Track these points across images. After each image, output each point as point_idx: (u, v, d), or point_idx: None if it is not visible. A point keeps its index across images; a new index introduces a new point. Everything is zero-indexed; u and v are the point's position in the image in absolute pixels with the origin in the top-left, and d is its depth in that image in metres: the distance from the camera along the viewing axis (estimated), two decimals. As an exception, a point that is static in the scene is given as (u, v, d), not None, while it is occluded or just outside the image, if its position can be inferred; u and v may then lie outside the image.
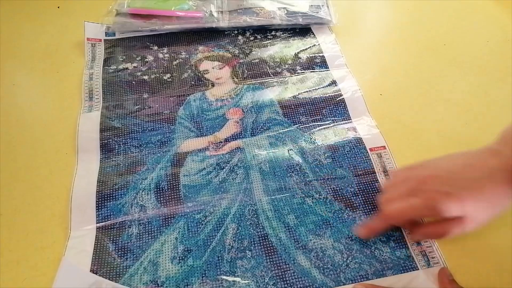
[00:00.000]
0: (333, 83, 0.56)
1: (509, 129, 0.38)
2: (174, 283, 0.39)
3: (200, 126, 0.52)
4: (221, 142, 0.50)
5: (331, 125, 0.52)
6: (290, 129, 0.51)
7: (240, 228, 0.43)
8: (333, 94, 0.55)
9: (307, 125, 0.52)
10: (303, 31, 0.64)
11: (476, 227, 0.36)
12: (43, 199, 0.46)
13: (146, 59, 0.59)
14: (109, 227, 0.43)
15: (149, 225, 0.43)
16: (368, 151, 0.49)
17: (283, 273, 0.40)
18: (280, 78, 0.57)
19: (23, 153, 0.50)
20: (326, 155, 0.49)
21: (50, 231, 0.43)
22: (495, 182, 0.35)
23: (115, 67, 0.58)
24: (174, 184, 0.46)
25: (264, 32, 0.63)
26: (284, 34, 0.63)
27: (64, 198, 0.45)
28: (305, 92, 0.55)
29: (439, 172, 0.38)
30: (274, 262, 0.40)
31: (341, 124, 0.52)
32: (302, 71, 0.58)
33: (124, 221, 0.43)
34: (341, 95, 0.55)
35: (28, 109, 0.55)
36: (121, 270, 0.40)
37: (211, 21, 0.62)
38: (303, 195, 0.45)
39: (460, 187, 0.35)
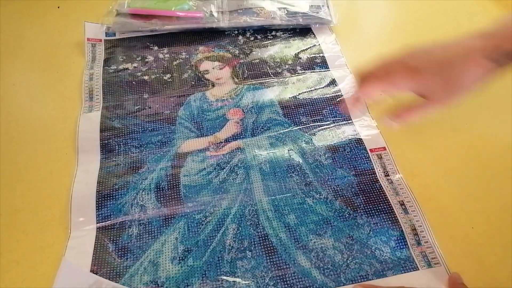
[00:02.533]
0: (333, 83, 0.56)
1: (507, 16, 0.37)
2: (174, 283, 0.39)
3: (201, 126, 0.52)
4: (222, 142, 0.50)
5: (332, 125, 0.52)
6: (291, 129, 0.51)
7: (240, 228, 0.43)
8: (333, 94, 0.55)
9: (308, 125, 0.52)
10: (303, 31, 0.64)
11: (441, 105, 0.38)
12: (43, 199, 0.46)
13: (146, 59, 0.59)
14: (109, 227, 0.43)
15: (149, 225, 0.43)
16: (369, 152, 0.49)
17: (283, 273, 0.40)
18: (281, 78, 0.57)
19: (23, 153, 0.50)
20: (326, 155, 0.49)
21: (50, 231, 0.43)
22: (467, 61, 0.35)
23: (115, 67, 0.58)
24: (174, 184, 0.46)
25: (265, 32, 0.63)
26: (285, 34, 0.63)
27: (64, 198, 0.45)
28: (305, 92, 0.55)
29: (417, 51, 0.39)
30: (275, 263, 0.40)
31: (342, 124, 0.52)
32: (303, 71, 0.58)
33: (124, 221, 0.43)
34: (341, 95, 0.55)
35: (28, 109, 0.55)
36: (121, 270, 0.40)
37: (211, 21, 0.62)
38: (304, 195, 0.45)
39: (428, 64, 0.37)
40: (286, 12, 0.63)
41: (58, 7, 0.68)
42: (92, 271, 0.40)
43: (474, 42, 0.36)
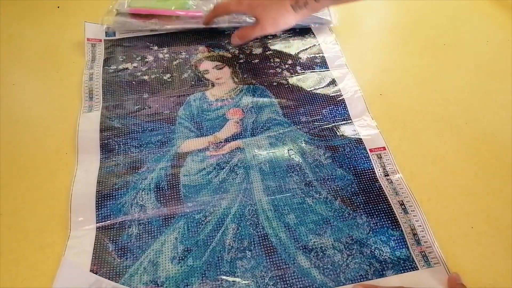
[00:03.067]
0: (333, 83, 0.56)
1: None
2: (174, 283, 0.39)
3: (200, 126, 0.52)
4: (221, 142, 0.50)
5: (331, 125, 0.52)
6: (290, 129, 0.51)
7: (240, 228, 0.43)
8: (333, 94, 0.55)
9: (307, 125, 0.52)
10: (303, 31, 0.64)
11: (267, 30, 0.54)
12: (43, 199, 0.46)
13: (146, 59, 0.59)
14: (109, 227, 0.43)
15: (149, 225, 0.43)
16: (368, 151, 0.49)
17: (283, 273, 0.40)
18: (281, 78, 0.57)
19: (23, 153, 0.50)
20: (326, 155, 0.49)
21: (50, 231, 0.43)
22: (281, 6, 0.50)
23: (115, 67, 0.58)
24: (174, 184, 0.46)
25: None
26: (284, 34, 0.63)
27: (64, 198, 0.45)
28: (305, 92, 0.55)
29: None
30: (274, 262, 0.40)
31: (341, 124, 0.52)
32: (302, 71, 0.58)
33: (124, 221, 0.43)
34: (341, 95, 0.55)
35: (28, 109, 0.55)
36: (121, 270, 0.40)
37: (212, 21, 0.62)
38: (303, 195, 0.45)
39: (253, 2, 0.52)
40: None
41: (58, 7, 0.68)
42: (92, 270, 0.40)
43: None
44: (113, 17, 0.62)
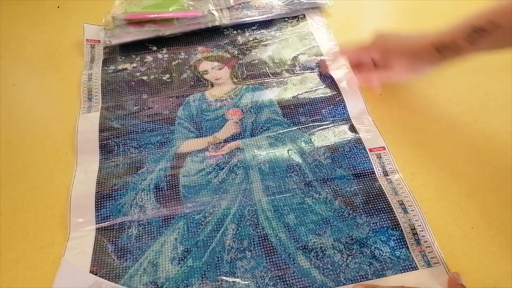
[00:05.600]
0: (333, 83, 0.56)
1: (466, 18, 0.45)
2: (174, 284, 0.39)
3: (200, 126, 0.52)
4: (221, 142, 0.50)
5: (331, 125, 0.52)
6: (290, 129, 0.51)
7: (239, 228, 0.43)
8: (332, 94, 0.55)
9: (307, 125, 0.52)
10: (303, 31, 0.63)
11: (399, 78, 0.52)
12: (43, 199, 0.46)
13: (145, 60, 0.59)
14: (109, 228, 0.43)
15: (149, 225, 0.43)
16: (368, 151, 0.49)
17: (283, 273, 0.40)
18: (280, 78, 0.57)
19: (23, 153, 0.50)
20: (325, 155, 0.49)
21: (50, 231, 0.43)
22: (423, 49, 0.46)
23: (114, 68, 0.58)
24: (174, 184, 0.46)
25: (265, 30, 0.63)
26: (285, 23, 0.64)
27: (64, 198, 0.45)
28: (304, 92, 0.55)
29: (388, 35, 0.51)
30: (274, 263, 0.40)
31: (341, 124, 0.52)
32: (302, 72, 0.58)
33: (124, 221, 0.43)
34: (340, 95, 0.55)
35: (28, 109, 0.55)
36: (120, 271, 0.40)
37: (213, 20, 0.62)
38: (303, 195, 0.45)
39: (394, 43, 0.50)
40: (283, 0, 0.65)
41: (58, 7, 0.68)
42: (91, 272, 0.40)
43: (432, 36, 0.46)
44: (111, 29, 0.61)
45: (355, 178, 0.47)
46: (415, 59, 0.47)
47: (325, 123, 0.52)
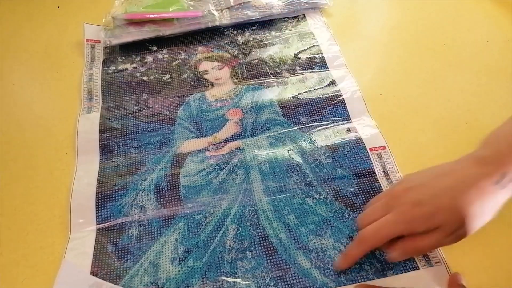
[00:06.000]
0: (333, 83, 0.56)
1: (491, 134, 0.37)
2: (174, 284, 0.39)
3: (200, 126, 0.52)
4: (221, 142, 0.50)
5: (331, 125, 0.52)
6: (290, 129, 0.51)
7: (240, 228, 0.43)
8: (332, 94, 0.55)
9: (307, 125, 0.52)
10: (303, 31, 0.64)
11: (456, 238, 0.34)
12: (43, 199, 0.46)
13: (145, 60, 0.59)
14: (109, 229, 0.43)
15: (149, 226, 0.43)
16: (368, 151, 0.49)
17: (283, 273, 0.40)
18: (280, 78, 0.57)
19: (23, 153, 0.50)
20: (326, 155, 0.49)
21: (50, 231, 0.43)
22: (476, 188, 0.33)
23: (114, 68, 0.58)
24: (174, 185, 0.46)
25: (265, 30, 0.63)
26: (285, 23, 0.64)
27: (64, 198, 0.45)
28: (304, 92, 0.55)
29: (411, 184, 0.36)
30: (275, 263, 0.40)
31: (341, 124, 0.52)
32: (302, 72, 0.58)
33: (124, 222, 0.43)
34: (340, 95, 0.55)
35: (28, 109, 0.55)
36: (121, 272, 0.40)
37: (213, 20, 0.62)
38: (303, 195, 0.45)
39: (432, 195, 0.34)
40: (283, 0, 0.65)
41: (58, 7, 0.68)
42: (92, 273, 0.40)
43: (475, 169, 0.34)
44: (111, 30, 0.60)
45: (355, 178, 0.47)
46: (480, 204, 0.33)
47: (325, 123, 0.52)
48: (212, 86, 0.56)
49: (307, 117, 0.52)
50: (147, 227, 0.43)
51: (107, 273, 0.40)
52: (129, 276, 0.40)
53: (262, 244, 0.42)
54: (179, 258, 0.41)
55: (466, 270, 0.40)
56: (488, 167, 0.34)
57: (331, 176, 0.47)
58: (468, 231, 0.33)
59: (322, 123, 0.52)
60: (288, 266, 0.40)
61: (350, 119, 0.52)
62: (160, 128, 0.52)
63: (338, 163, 0.48)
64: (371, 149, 0.49)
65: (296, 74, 0.58)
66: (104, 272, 0.40)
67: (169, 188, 0.46)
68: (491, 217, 0.34)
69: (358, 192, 0.45)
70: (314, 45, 0.61)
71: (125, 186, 0.46)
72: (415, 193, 0.34)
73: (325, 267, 0.40)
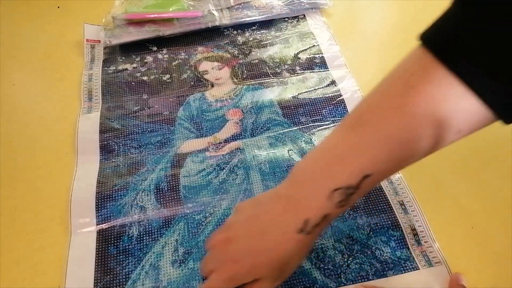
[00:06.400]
0: (333, 83, 0.56)
1: (296, 168, 0.34)
2: (175, 287, 0.39)
3: (200, 127, 0.52)
4: (221, 142, 0.50)
5: (331, 125, 0.52)
6: (290, 129, 0.51)
7: (240, 228, 0.43)
8: (332, 95, 0.55)
9: (307, 125, 0.52)
10: (302, 31, 0.64)
11: (281, 280, 0.35)
12: (43, 199, 0.46)
13: (145, 60, 0.59)
14: (109, 229, 0.43)
15: (149, 226, 0.43)
16: (368, 151, 0.49)
17: (283, 273, 0.40)
18: (280, 78, 0.57)
19: (23, 153, 0.50)
20: (326, 155, 0.49)
21: (50, 231, 0.43)
22: (281, 233, 0.33)
23: (114, 68, 0.58)
24: (174, 185, 0.46)
25: (265, 30, 0.63)
26: (285, 23, 0.64)
27: (64, 198, 0.45)
28: (304, 92, 0.55)
29: (230, 233, 0.36)
30: (274, 263, 0.40)
31: (341, 124, 0.52)
32: (302, 72, 0.58)
33: (125, 222, 0.43)
34: (340, 95, 0.55)
35: (28, 109, 0.55)
36: (123, 277, 0.40)
37: (213, 20, 0.62)
38: (303, 196, 0.45)
39: (247, 252, 0.34)
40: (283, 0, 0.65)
41: (58, 7, 0.68)
42: (95, 277, 0.39)
43: (282, 215, 0.33)
44: (111, 30, 0.60)
45: (355, 178, 0.47)
46: (279, 256, 0.33)
47: (325, 123, 0.52)
48: (212, 86, 0.56)
49: (307, 117, 0.52)
50: (147, 227, 0.43)
51: (110, 280, 0.39)
52: (132, 281, 0.39)
53: (262, 244, 0.41)
54: (180, 260, 0.41)
55: (466, 270, 0.40)
56: (291, 213, 0.32)
57: (331, 176, 0.47)
58: (285, 277, 0.36)
59: (322, 123, 0.52)
60: (288, 266, 0.40)
61: (350, 119, 0.52)
62: (160, 128, 0.52)
63: (338, 163, 0.48)
64: (371, 149, 0.49)
65: (296, 74, 0.58)
66: (108, 279, 0.39)
67: (169, 188, 0.46)
68: (304, 257, 0.35)
69: (358, 192, 0.45)
70: (314, 45, 0.61)
71: (125, 186, 0.46)
72: (233, 249, 0.34)
73: (325, 267, 0.40)
